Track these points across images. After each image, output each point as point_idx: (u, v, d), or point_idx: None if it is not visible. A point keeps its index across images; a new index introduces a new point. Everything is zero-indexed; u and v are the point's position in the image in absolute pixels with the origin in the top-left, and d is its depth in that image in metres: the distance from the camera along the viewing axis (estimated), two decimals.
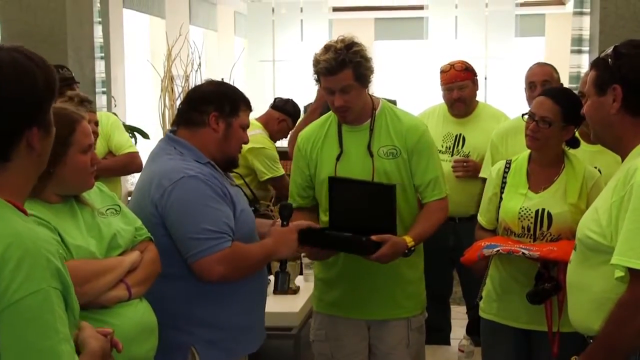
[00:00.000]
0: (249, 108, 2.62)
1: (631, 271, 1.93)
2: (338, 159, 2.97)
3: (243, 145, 2.65)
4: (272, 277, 3.59)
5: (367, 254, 2.77)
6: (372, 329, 3.08)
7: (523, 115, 3.00)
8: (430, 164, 3.01)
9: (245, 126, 2.61)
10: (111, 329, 1.83)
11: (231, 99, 2.57)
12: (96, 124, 3.64)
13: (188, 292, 2.47)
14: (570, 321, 2.28)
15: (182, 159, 2.49)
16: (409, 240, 2.84)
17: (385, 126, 2.99)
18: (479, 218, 3.15)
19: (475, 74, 4.27)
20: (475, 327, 3.18)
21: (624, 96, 2.08)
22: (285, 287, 2.82)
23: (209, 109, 2.54)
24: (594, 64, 2.22)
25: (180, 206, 2.41)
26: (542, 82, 3.89)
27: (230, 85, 2.70)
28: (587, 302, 2.14)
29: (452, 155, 4.19)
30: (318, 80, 2.92)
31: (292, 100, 5.08)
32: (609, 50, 2.16)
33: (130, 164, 4.37)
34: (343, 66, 2.82)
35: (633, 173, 2.01)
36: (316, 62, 2.88)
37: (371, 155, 2.95)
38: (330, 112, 3.07)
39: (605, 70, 2.14)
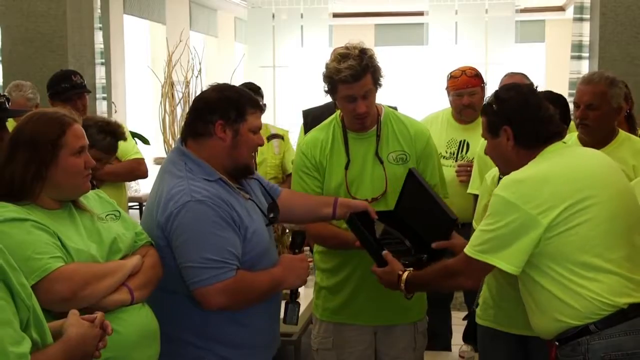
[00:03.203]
0: (257, 109, 2.49)
1: (465, 255, 2.39)
2: (347, 167, 2.95)
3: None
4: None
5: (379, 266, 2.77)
6: (378, 335, 3.07)
7: None
8: (435, 169, 3.05)
9: (256, 129, 2.47)
10: (99, 313, 1.84)
11: (236, 104, 2.43)
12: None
13: (202, 312, 2.41)
14: (534, 330, 2.49)
15: (191, 177, 2.37)
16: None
17: (392, 132, 2.99)
18: (474, 225, 3.14)
19: (483, 81, 4.26)
20: (471, 334, 3.17)
21: (514, 134, 2.42)
22: (294, 320, 2.58)
23: (213, 117, 2.41)
24: (483, 111, 2.55)
25: (183, 233, 2.32)
26: None
27: (236, 88, 2.55)
28: (533, 309, 2.42)
29: (456, 161, 4.18)
30: (332, 92, 2.86)
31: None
32: (492, 95, 2.53)
33: (136, 169, 4.37)
34: (366, 71, 2.81)
35: None
36: (337, 72, 2.80)
37: (381, 161, 2.95)
38: (332, 118, 3.05)
39: (492, 115, 2.48)
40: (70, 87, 4.42)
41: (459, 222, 2.78)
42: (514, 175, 2.37)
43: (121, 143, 4.36)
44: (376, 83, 2.87)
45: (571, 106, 3.39)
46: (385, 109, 3.03)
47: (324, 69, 2.90)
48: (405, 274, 2.59)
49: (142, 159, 4.43)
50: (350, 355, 3.05)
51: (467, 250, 2.38)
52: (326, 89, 2.90)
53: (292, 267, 2.51)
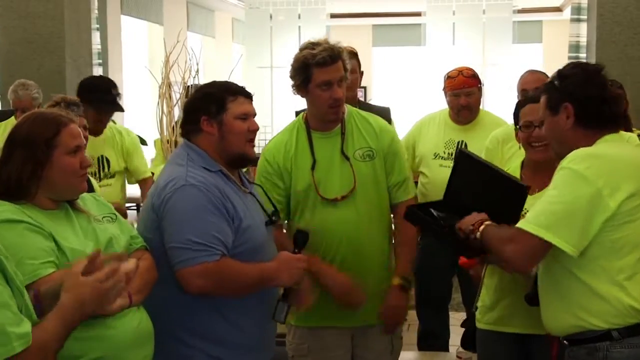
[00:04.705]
0: (240, 95, 2.53)
1: (522, 230, 2.21)
2: (313, 168, 2.91)
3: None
4: None
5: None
6: (355, 338, 3.01)
7: (516, 127, 2.98)
8: (403, 165, 3.05)
9: (243, 115, 2.50)
10: (106, 269, 1.84)
11: (215, 97, 2.51)
12: (85, 127, 3.61)
13: (189, 302, 2.42)
14: (544, 325, 2.40)
15: (191, 165, 2.45)
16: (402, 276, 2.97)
17: (356, 129, 2.98)
18: None
19: (480, 82, 4.26)
20: (469, 340, 3.14)
21: (575, 112, 2.32)
22: (281, 318, 2.53)
23: (198, 115, 2.51)
24: (543, 90, 2.46)
25: (172, 214, 2.37)
26: (534, 89, 3.87)
27: (216, 83, 2.63)
28: (553, 301, 2.32)
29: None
30: (305, 82, 2.84)
31: None
32: (554, 74, 2.42)
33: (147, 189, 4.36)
34: (339, 55, 2.84)
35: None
36: (312, 56, 2.79)
37: (347, 158, 2.93)
38: (295, 121, 3.04)
39: (554, 92, 2.38)
40: (113, 99, 4.30)
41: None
42: (586, 150, 2.26)
43: (135, 159, 4.37)
44: (345, 73, 2.87)
45: None
46: (348, 107, 3.02)
47: (292, 63, 2.87)
48: (487, 223, 2.41)
49: (151, 177, 4.43)
50: None
51: (523, 224, 2.22)
52: (298, 82, 2.86)
53: (287, 264, 2.50)
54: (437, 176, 4.13)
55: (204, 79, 6.49)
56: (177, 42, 6.76)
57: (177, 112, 5.00)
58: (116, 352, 2.11)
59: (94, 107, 4.15)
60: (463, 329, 3.21)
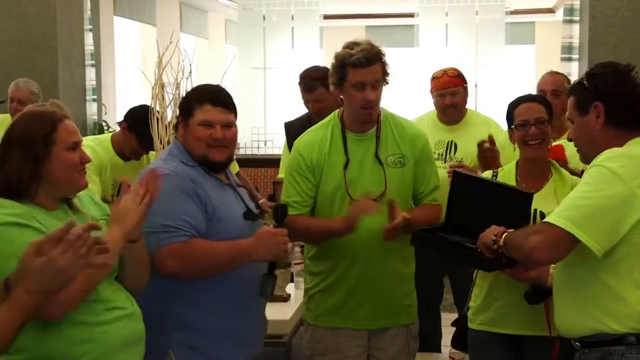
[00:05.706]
0: (207, 102, 2.58)
1: (549, 223, 2.17)
2: (345, 167, 2.93)
3: None
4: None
5: (486, 268, 2.69)
6: (372, 339, 3.03)
7: (510, 127, 2.99)
8: (433, 172, 3.07)
9: (204, 122, 2.56)
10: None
11: (185, 103, 2.65)
12: None
13: (163, 289, 2.46)
14: (557, 326, 2.38)
15: (170, 159, 2.57)
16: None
17: (391, 134, 2.99)
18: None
19: (466, 81, 4.29)
20: (461, 340, 3.14)
21: (606, 111, 2.26)
22: (267, 293, 2.54)
23: (179, 118, 2.65)
24: (571, 90, 2.40)
25: None
26: (552, 90, 3.86)
27: (199, 87, 2.75)
28: (571, 301, 2.27)
29: (444, 162, 4.18)
30: (340, 80, 2.87)
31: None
32: (583, 75, 2.38)
33: None
34: (377, 58, 2.87)
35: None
36: (349, 56, 2.83)
37: (380, 163, 2.95)
38: (330, 117, 3.04)
39: (583, 92, 2.32)
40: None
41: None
42: (620, 149, 2.21)
43: None
44: (384, 77, 2.91)
45: None
46: (384, 110, 3.03)
47: (332, 61, 2.91)
48: (510, 231, 2.40)
49: None
50: None
51: (552, 218, 2.17)
52: (334, 80, 2.89)
53: (264, 239, 2.50)
54: None
55: (197, 80, 6.49)
56: (170, 43, 6.74)
57: (170, 113, 5.00)
58: (108, 355, 2.10)
59: (138, 138, 4.07)
60: (453, 336, 3.21)
